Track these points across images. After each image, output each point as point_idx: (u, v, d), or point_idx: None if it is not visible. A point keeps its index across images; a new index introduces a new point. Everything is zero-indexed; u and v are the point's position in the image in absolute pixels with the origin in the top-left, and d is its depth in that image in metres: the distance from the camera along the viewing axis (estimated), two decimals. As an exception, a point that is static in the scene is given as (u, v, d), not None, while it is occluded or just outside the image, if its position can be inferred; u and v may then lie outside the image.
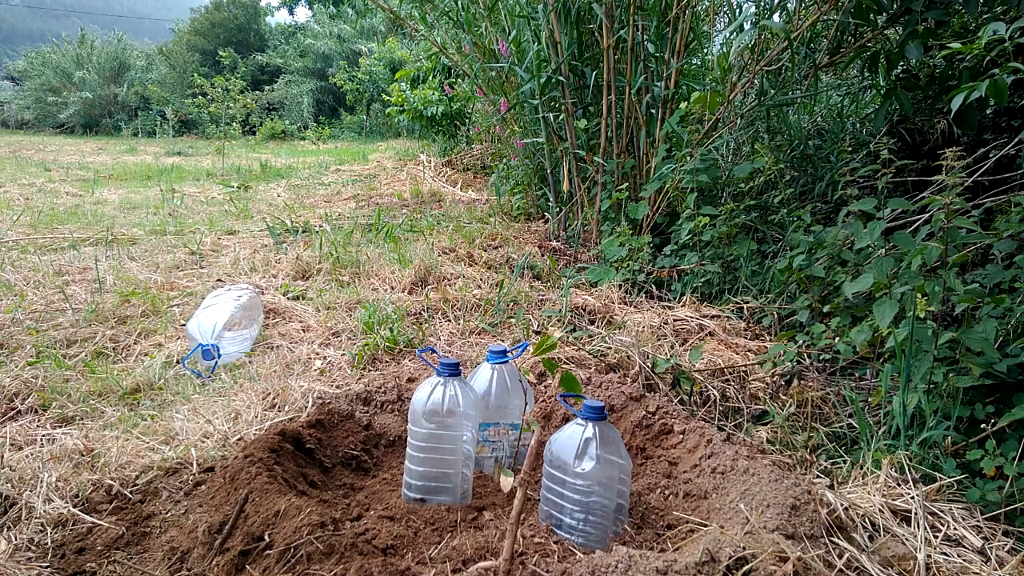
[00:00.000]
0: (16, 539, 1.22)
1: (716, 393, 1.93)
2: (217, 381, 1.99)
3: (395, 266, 3.09)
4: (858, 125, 3.72)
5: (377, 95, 14.59)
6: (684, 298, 2.77)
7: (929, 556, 1.18)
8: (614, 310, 2.62)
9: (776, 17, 2.96)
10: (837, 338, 2.02)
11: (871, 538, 1.22)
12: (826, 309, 2.15)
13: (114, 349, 2.20)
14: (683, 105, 3.14)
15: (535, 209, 4.49)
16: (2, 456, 1.46)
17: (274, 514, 1.19)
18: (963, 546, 1.24)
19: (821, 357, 2.14)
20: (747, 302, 2.65)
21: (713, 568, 1.03)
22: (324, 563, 1.11)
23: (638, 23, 3.20)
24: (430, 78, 7.64)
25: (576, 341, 2.19)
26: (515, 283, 2.89)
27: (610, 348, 2.12)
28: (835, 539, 1.15)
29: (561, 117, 3.61)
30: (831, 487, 1.37)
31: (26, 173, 6.96)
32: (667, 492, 1.42)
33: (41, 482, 1.36)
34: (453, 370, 1.39)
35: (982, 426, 1.48)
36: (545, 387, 1.86)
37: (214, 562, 1.15)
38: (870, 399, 1.83)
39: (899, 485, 1.35)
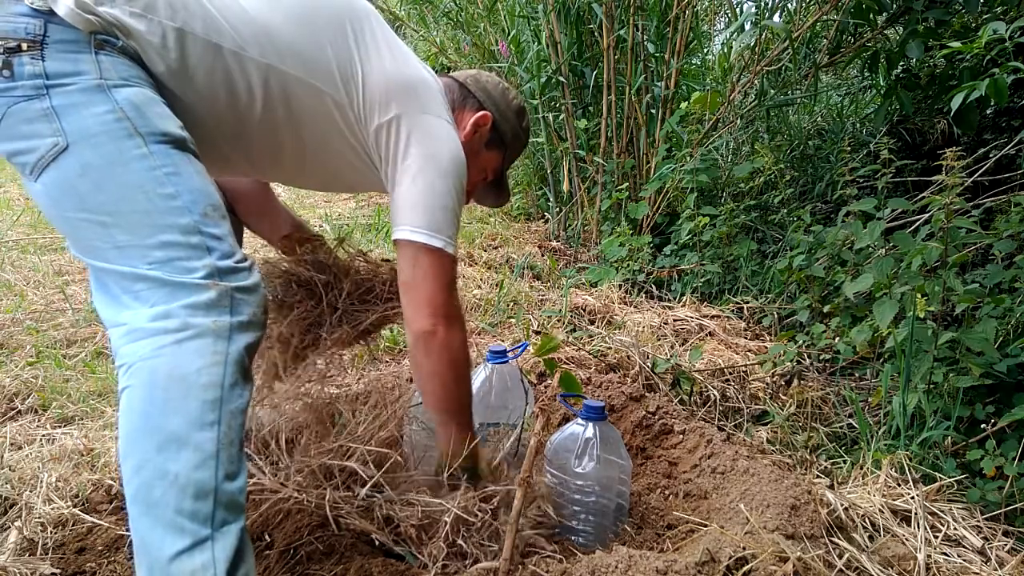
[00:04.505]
0: (16, 539, 1.22)
1: (716, 393, 1.93)
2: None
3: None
4: (858, 125, 3.72)
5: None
6: (684, 298, 2.78)
7: (929, 556, 1.18)
8: (614, 310, 2.62)
9: (776, 17, 2.96)
10: (837, 338, 2.02)
11: (871, 538, 1.22)
12: (826, 309, 2.15)
13: (114, 349, 2.20)
14: (683, 105, 3.14)
15: (535, 209, 4.49)
16: (2, 456, 1.46)
17: (274, 513, 1.19)
18: (963, 546, 1.24)
19: (821, 357, 2.14)
20: (747, 302, 2.65)
21: (713, 568, 1.03)
22: (324, 563, 1.11)
23: (638, 23, 3.20)
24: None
25: (576, 341, 2.19)
26: (515, 283, 2.89)
27: (610, 348, 2.12)
28: (835, 539, 1.15)
29: (561, 117, 3.61)
30: (831, 487, 1.37)
31: (26, 173, 6.96)
32: (667, 492, 1.42)
33: (41, 482, 1.36)
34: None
35: (982, 426, 1.48)
36: (545, 387, 1.86)
37: (214, 562, 1.15)
38: (870, 399, 1.83)
39: (899, 485, 1.35)
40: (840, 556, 1.12)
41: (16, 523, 1.26)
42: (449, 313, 1.15)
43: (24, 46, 0.88)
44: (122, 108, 0.92)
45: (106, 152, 0.91)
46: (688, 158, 2.95)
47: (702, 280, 2.84)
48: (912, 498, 1.30)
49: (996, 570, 1.18)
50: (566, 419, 1.62)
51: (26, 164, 0.91)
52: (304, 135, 1.15)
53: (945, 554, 1.20)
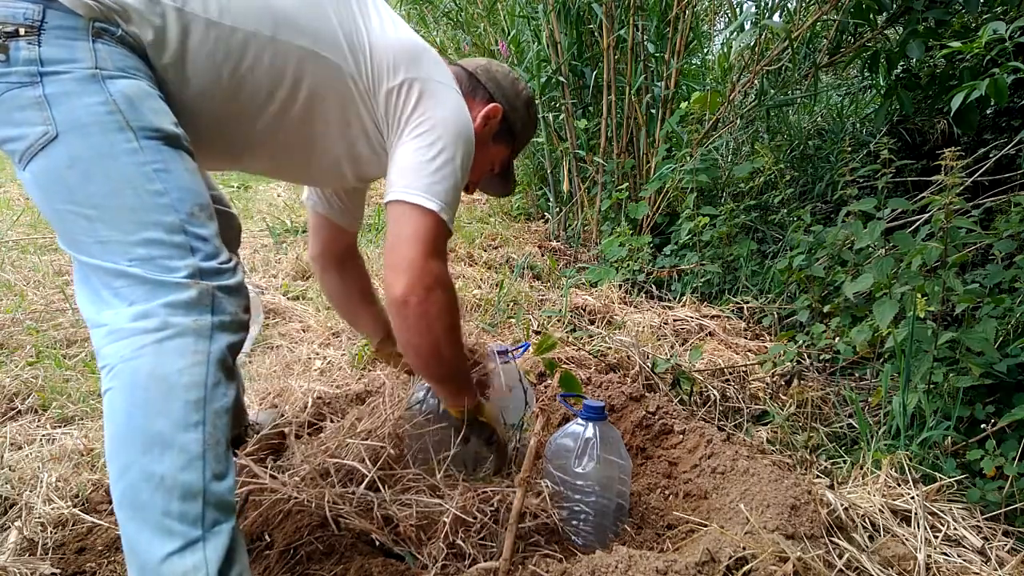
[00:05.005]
0: (16, 539, 1.22)
1: (716, 393, 1.92)
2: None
3: (395, 266, 3.09)
4: (858, 125, 3.72)
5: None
6: (684, 298, 2.77)
7: (929, 556, 1.18)
8: (614, 310, 2.62)
9: (776, 17, 2.96)
10: (837, 338, 2.02)
11: (871, 538, 1.22)
12: (826, 309, 2.15)
13: (114, 349, 2.20)
14: (683, 105, 3.14)
15: (535, 209, 4.49)
16: (2, 456, 1.46)
17: (274, 514, 1.19)
18: (963, 546, 1.24)
19: (821, 357, 2.14)
20: (747, 302, 2.65)
21: (713, 568, 1.03)
22: (324, 563, 1.11)
23: (638, 23, 3.21)
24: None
25: (576, 341, 2.19)
26: (515, 283, 2.89)
27: (610, 348, 2.12)
28: (835, 539, 1.15)
29: (561, 117, 3.61)
30: (831, 487, 1.37)
31: (26, 173, 6.95)
32: (667, 492, 1.42)
33: (41, 482, 1.36)
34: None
35: (982, 426, 1.48)
36: (545, 387, 1.86)
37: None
38: (870, 399, 1.83)
39: (899, 485, 1.35)
40: (840, 556, 1.12)
41: (16, 523, 1.26)
42: (428, 280, 1.08)
43: (22, 31, 0.87)
44: (115, 100, 0.90)
45: (95, 144, 0.89)
46: (688, 158, 2.95)
47: (702, 280, 2.84)
48: (912, 498, 1.30)
49: (996, 570, 1.18)
50: (566, 419, 1.62)
51: (15, 152, 0.90)
52: (316, 112, 1.12)
53: (945, 554, 1.20)
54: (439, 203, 1.09)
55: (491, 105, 1.29)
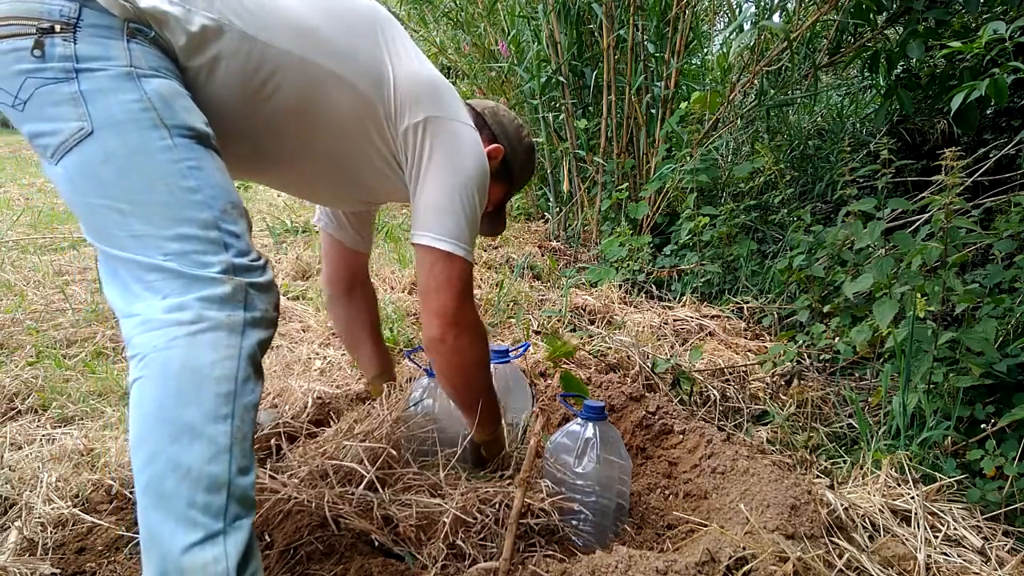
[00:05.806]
0: (16, 539, 1.22)
1: (716, 393, 1.92)
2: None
3: (395, 266, 3.09)
4: (858, 125, 3.72)
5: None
6: (684, 298, 2.78)
7: (929, 556, 1.18)
8: (614, 310, 2.62)
9: (776, 17, 2.96)
10: (837, 338, 2.02)
11: (871, 538, 1.22)
12: (826, 309, 2.15)
13: (114, 349, 2.20)
14: (683, 105, 3.14)
15: (535, 209, 4.49)
16: (2, 456, 1.46)
17: (275, 514, 1.19)
18: (963, 546, 1.24)
19: (821, 357, 2.14)
20: (747, 302, 2.65)
21: (713, 568, 1.03)
22: (324, 563, 1.11)
23: (638, 23, 3.21)
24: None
25: (576, 341, 2.19)
26: (515, 283, 2.89)
27: (610, 348, 2.12)
28: (835, 539, 1.15)
29: (561, 117, 3.61)
30: (831, 487, 1.37)
31: (26, 173, 6.95)
32: (667, 492, 1.42)
33: (41, 482, 1.36)
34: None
35: (982, 426, 1.48)
36: (546, 387, 1.86)
37: (214, 562, 1.14)
38: (870, 399, 1.83)
39: (899, 485, 1.35)
40: (840, 556, 1.12)
41: (16, 523, 1.26)
42: (460, 321, 1.19)
43: (58, 28, 0.88)
44: (150, 98, 0.92)
45: (130, 140, 0.91)
46: (688, 158, 2.95)
47: (702, 280, 2.84)
48: (912, 498, 1.30)
49: (996, 570, 1.18)
50: (566, 419, 1.62)
51: (48, 147, 0.91)
52: (337, 134, 1.15)
53: (945, 554, 1.20)
54: (465, 248, 1.17)
55: (494, 145, 1.34)
